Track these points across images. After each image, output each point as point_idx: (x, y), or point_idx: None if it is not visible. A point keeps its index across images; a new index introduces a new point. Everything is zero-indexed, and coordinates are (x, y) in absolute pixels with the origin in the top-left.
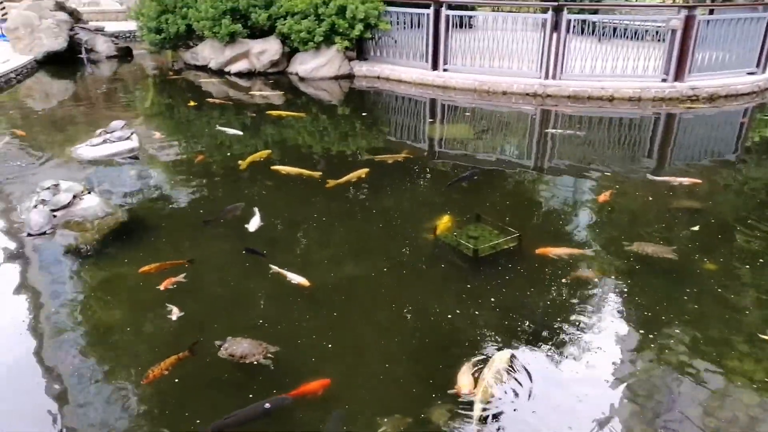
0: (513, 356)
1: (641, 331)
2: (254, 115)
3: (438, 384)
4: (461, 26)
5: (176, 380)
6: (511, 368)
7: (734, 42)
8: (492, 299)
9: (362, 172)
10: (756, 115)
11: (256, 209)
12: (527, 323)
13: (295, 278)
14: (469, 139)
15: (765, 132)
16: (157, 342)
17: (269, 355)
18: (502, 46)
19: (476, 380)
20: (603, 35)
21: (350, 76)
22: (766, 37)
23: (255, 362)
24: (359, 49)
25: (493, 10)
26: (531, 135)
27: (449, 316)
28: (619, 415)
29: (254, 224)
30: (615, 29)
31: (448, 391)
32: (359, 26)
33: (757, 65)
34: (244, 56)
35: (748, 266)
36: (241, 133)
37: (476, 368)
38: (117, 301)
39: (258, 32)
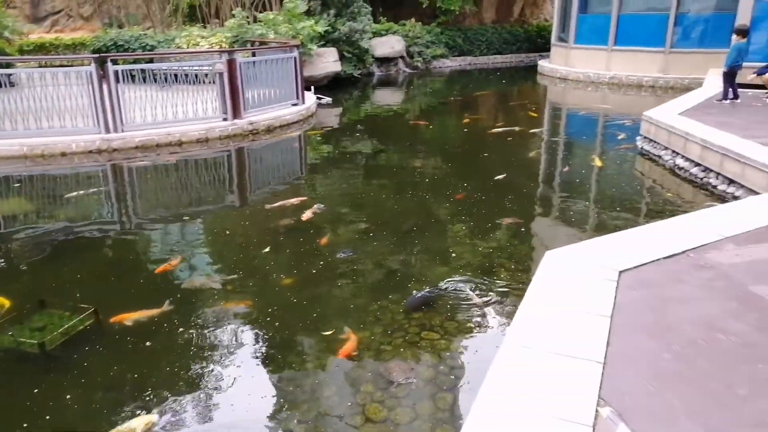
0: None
1: (231, 357)
2: None
3: None
4: None
5: None
6: None
7: (276, 79)
8: (69, 395)
9: None
10: (309, 139)
11: None
12: (121, 401)
13: None
14: (29, 211)
15: (318, 150)
16: None
17: None
18: (52, 103)
19: None
20: (165, 81)
21: None
22: (297, 73)
23: None
24: None
25: (40, 66)
26: (107, 194)
27: None
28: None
29: None
30: (176, 75)
31: None
32: None
33: (297, 97)
34: None
35: (316, 272)
36: None
37: None
38: None
39: None
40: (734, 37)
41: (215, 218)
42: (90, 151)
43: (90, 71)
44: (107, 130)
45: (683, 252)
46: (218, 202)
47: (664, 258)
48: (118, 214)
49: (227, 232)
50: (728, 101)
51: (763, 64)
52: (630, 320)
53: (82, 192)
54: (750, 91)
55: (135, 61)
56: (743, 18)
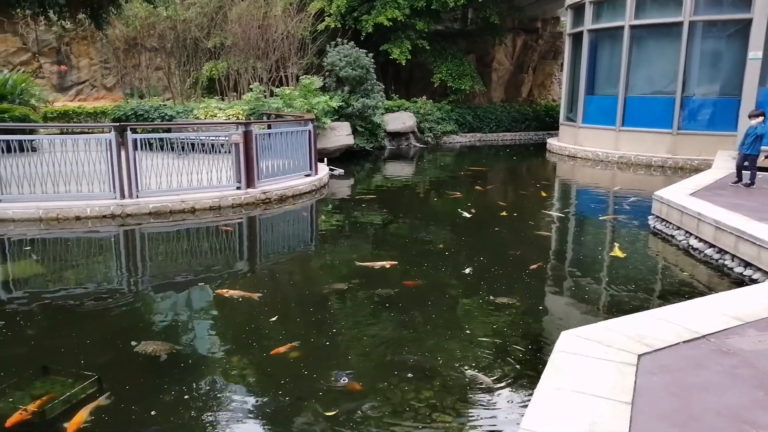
0: None
1: None
2: None
3: None
4: (20, 150)
5: None
6: None
7: (290, 150)
8: None
9: None
10: (320, 208)
11: None
12: None
13: None
14: (39, 275)
15: (329, 220)
16: None
17: None
18: (70, 169)
19: None
20: (182, 150)
21: None
22: (310, 145)
23: None
24: None
25: (62, 132)
26: (118, 258)
27: None
28: None
29: None
30: (193, 144)
31: None
32: None
33: (310, 168)
34: None
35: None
36: None
37: None
38: None
39: None
40: (755, 120)
41: (218, 285)
42: (104, 216)
43: (109, 139)
44: (122, 196)
45: (703, 336)
46: (224, 268)
47: (684, 342)
48: (126, 281)
49: (229, 303)
50: (743, 184)
51: None
52: (652, 407)
53: (92, 256)
54: (760, 174)
55: (153, 130)
56: (748, 103)
